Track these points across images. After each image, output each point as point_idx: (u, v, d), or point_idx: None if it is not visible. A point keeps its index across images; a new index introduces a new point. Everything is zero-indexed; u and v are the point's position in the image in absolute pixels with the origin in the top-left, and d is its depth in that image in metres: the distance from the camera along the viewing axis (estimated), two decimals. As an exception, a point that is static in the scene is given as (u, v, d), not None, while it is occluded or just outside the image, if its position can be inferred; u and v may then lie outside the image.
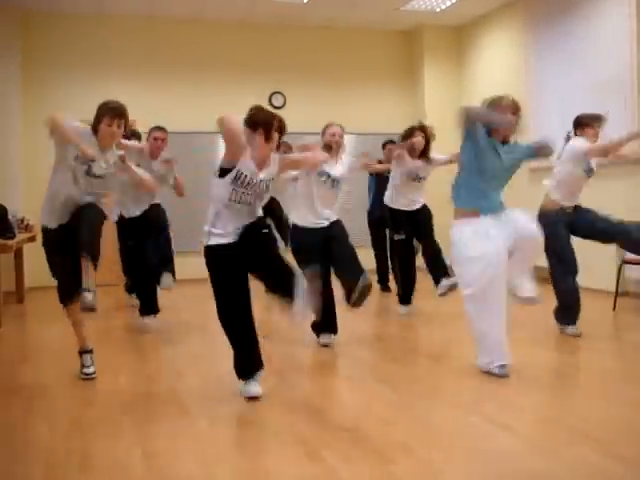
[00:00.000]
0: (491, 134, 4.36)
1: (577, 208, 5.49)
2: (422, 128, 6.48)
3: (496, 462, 3.03)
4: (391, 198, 6.72)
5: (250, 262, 3.98)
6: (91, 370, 4.49)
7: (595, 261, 6.45)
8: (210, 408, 3.87)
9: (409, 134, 6.49)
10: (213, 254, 3.96)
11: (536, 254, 4.55)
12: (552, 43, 8.52)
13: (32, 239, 7.80)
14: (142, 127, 9.45)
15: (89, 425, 3.63)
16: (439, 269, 6.38)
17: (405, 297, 6.67)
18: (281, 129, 4.01)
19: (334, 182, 5.43)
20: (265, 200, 4.18)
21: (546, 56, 8.64)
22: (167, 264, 6.36)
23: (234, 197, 3.92)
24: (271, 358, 5.03)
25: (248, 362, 4.03)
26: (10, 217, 7.02)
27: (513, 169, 4.51)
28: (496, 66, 9.77)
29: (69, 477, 2.96)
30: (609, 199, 7.22)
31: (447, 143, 10.29)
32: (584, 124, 5.50)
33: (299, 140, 10.13)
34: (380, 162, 7.79)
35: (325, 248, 5.29)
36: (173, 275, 6.37)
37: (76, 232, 4.32)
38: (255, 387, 3.97)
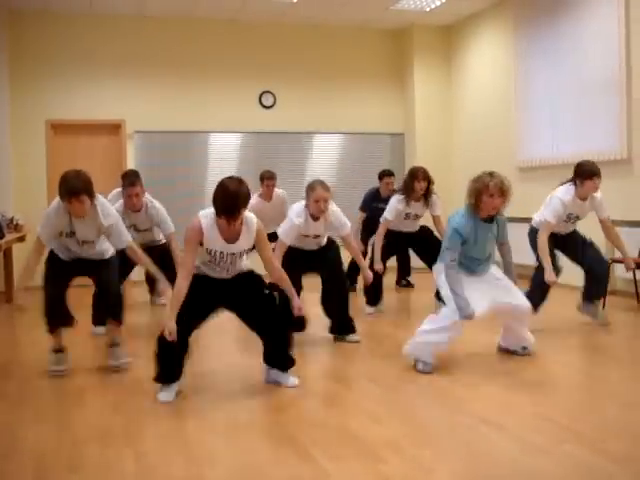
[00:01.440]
0: (476, 210, 4.43)
1: (572, 234, 5.74)
2: (425, 173, 6.39)
3: (486, 461, 3.04)
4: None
5: (241, 312, 4.24)
6: (62, 368, 4.65)
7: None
8: (200, 408, 3.87)
9: (413, 176, 6.33)
10: (196, 274, 4.04)
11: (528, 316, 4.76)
12: (541, 43, 8.55)
13: (22, 239, 7.78)
14: (132, 127, 9.48)
15: (79, 425, 3.62)
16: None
17: (372, 298, 6.70)
18: (243, 206, 3.87)
19: (317, 237, 5.44)
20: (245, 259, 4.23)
21: (535, 56, 8.67)
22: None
23: (212, 260, 4.05)
24: (260, 358, 5.04)
25: (168, 371, 4.08)
26: (0, 217, 7.00)
27: (493, 240, 4.64)
28: (485, 65, 9.79)
29: (59, 477, 2.96)
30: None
31: (437, 143, 10.38)
32: (586, 176, 5.44)
33: (290, 138, 10.20)
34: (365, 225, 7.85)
35: (314, 265, 5.51)
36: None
37: (101, 296, 4.76)
38: (167, 395, 4.01)
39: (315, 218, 5.24)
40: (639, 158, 7.23)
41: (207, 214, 3.95)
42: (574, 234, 5.75)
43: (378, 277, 6.54)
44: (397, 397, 4.07)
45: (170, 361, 4.06)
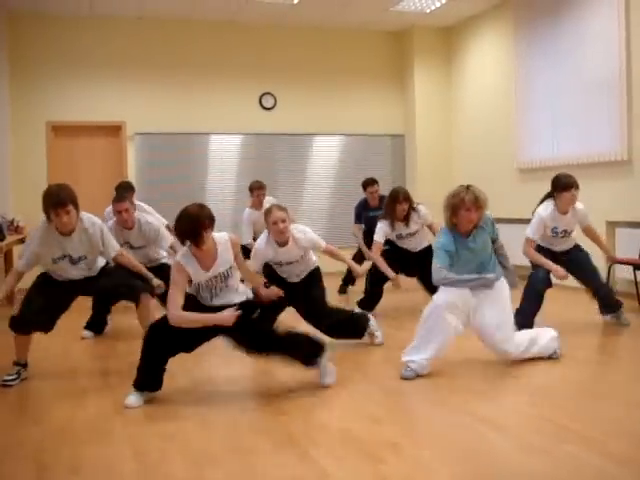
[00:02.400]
0: (455, 228, 4.44)
1: (571, 251, 5.75)
2: (405, 194, 6.34)
3: (486, 461, 3.04)
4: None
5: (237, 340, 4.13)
6: (11, 378, 4.49)
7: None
8: (200, 409, 3.87)
9: (394, 199, 6.25)
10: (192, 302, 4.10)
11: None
12: (541, 44, 8.55)
13: (22, 241, 7.77)
14: (132, 128, 9.48)
15: (79, 426, 3.63)
16: None
17: (367, 303, 6.65)
18: (206, 227, 3.90)
19: (291, 264, 5.20)
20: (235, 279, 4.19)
21: (535, 57, 8.67)
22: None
23: (203, 289, 4.09)
24: (262, 360, 5.04)
25: (147, 379, 4.06)
26: (0, 219, 7.00)
27: (484, 250, 4.51)
28: (486, 66, 9.80)
29: (60, 478, 2.96)
30: (594, 199, 7.27)
31: (437, 144, 10.38)
32: (562, 188, 5.45)
33: (290, 140, 10.21)
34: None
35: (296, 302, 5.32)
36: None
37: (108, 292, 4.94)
38: (135, 400, 4.00)
39: (281, 244, 5.02)
40: (639, 159, 7.23)
41: (182, 252, 4.00)
42: (579, 257, 5.74)
43: (380, 284, 6.54)
44: (397, 398, 4.07)
45: (150, 370, 4.05)
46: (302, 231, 5.14)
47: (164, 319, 3.96)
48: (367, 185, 7.89)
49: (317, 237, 5.26)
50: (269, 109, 10.21)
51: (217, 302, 4.10)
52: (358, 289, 7.06)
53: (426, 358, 4.37)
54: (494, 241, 4.62)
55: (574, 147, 8.00)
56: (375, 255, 6.34)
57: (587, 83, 7.79)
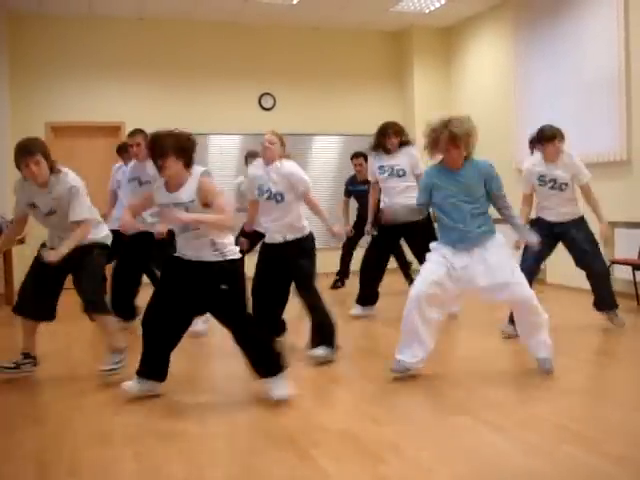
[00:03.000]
0: (441, 162, 4.34)
1: (567, 225, 5.50)
2: (397, 130, 6.33)
3: (486, 462, 3.04)
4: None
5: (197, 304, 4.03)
6: (7, 366, 4.64)
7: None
8: (200, 409, 3.88)
9: (383, 134, 6.32)
10: (168, 258, 4.08)
11: (535, 317, 4.37)
12: (540, 44, 8.55)
13: (21, 241, 7.77)
14: (131, 129, 9.45)
15: (79, 426, 3.63)
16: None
17: (363, 297, 6.63)
18: (171, 154, 3.84)
19: (277, 197, 4.97)
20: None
21: (534, 57, 8.67)
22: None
23: (176, 228, 4.02)
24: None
25: (147, 364, 4.07)
26: (-1, 219, 7.00)
27: (474, 187, 4.30)
28: (485, 67, 9.80)
29: (59, 479, 2.96)
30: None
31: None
32: (544, 139, 5.46)
33: (289, 140, 10.16)
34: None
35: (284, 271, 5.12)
36: None
37: (78, 291, 4.56)
38: (135, 386, 4.03)
39: (267, 163, 4.99)
40: (639, 159, 7.23)
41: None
42: (579, 238, 5.50)
43: (373, 277, 6.54)
44: (396, 398, 4.07)
45: (151, 354, 4.05)
46: (294, 165, 5.04)
47: (153, 298, 4.01)
48: (352, 158, 8.02)
49: (306, 179, 5.03)
50: (268, 109, 10.21)
51: (188, 253, 3.96)
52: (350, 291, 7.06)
53: (414, 356, 4.31)
54: (495, 197, 4.34)
55: (573, 147, 7.97)
56: (371, 197, 6.50)
57: (586, 83, 7.79)
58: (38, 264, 4.49)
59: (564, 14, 8.13)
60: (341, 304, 7.12)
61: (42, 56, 9.20)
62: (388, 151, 6.28)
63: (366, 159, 7.76)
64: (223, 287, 3.88)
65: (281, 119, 10.14)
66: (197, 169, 3.97)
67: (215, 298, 3.93)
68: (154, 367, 4.08)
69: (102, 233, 4.70)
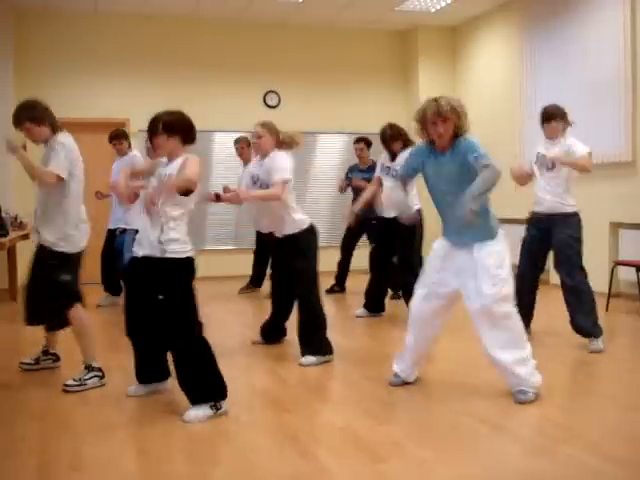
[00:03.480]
0: (432, 144, 4.02)
1: (553, 220, 5.19)
2: (394, 135, 6.45)
3: (488, 462, 3.04)
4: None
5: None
6: (27, 361, 4.76)
7: (588, 262, 6.45)
8: (203, 406, 3.88)
9: (383, 140, 6.53)
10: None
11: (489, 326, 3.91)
12: (547, 44, 8.54)
13: (25, 237, 7.79)
14: (136, 125, 9.48)
15: (81, 423, 3.63)
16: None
17: (371, 304, 6.64)
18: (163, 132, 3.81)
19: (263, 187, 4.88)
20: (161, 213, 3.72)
21: (541, 57, 8.65)
22: None
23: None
24: (264, 357, 5.05)
25: (144, 372, 4.08)
26: (3, 215, 7.01)
27: (460, 173, 3.87)
28: (491, 66, 9.79)
29: (61, 475, 2.96)
30: (598, 200, 7.26)
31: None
32: (544, 119, 5.34)
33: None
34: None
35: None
36: None
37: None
38: (139, 390, 4.06)
39: (262, 157, 5.02)
40: (644, 160, 7.22)
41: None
42: (561, 241, 5.16)
43: (380, 283, 6.57)
44: (399, 397, 4.06)
45: (140, 358, 4.06)
46: (279, 155, 4.94)
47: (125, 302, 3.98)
48: (353, 143, 8.07)
49: (284, 169, 4.79)
50: (273, 107, 10.21)
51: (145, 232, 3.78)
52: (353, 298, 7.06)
53: (410, 367, 4.24)
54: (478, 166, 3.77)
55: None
56: (369, 187, 6.45)
57: (592, 84, 7.77)
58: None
59: (570, 14, 8.11)
60: (342, 301, 7.11)
61: (47, 52, 9.21)
62: (394, 156, 6.32)
63: (368, 144, 7.91)
64: (161, 297, 3.68)
65: (286, 117, 10.10)
66: (190, 156, 3.89)
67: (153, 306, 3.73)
68: (150, 371, 4.09)
69: (76, 243, 4.31)
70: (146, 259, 3.72)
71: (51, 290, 4.21)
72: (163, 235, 3.67)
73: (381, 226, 6.47)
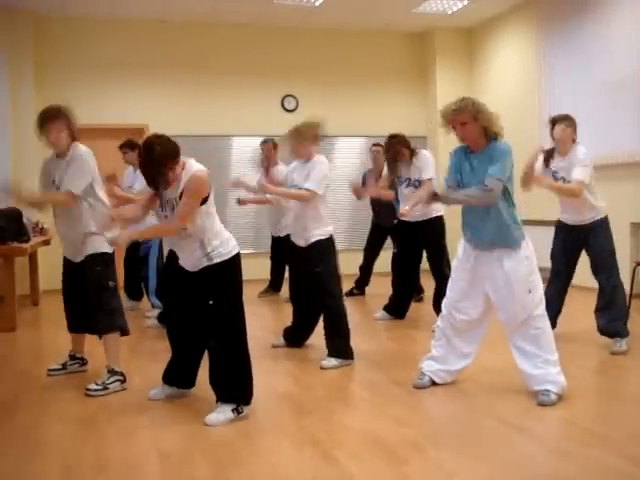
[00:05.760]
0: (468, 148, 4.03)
1: (587, 230, 5.14)
2: (394, 147, 6.28)
3: (509, 464, 3.03)
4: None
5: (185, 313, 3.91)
6: (54, 367, 4.76)
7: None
8: (224, 410, 3.89)
9: (387, 151, 6.40)
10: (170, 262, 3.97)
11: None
12: (564, 44, 8.49)
13: (47, 242, 7.86)
14: (155, 131, 9.50)
15: (104, 426, 3.66)
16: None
17: (394, 309, 6.63)
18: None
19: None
20: (189, 235, 3.69)
21: (558, 57, 8.61)
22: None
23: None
24: (285, 360, 5.06)
25: (170, 370, 4.09)
26: (25, 220, 7.07)
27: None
28: (508, 67, 9.76)
29: (85, 478, 2.99)
30: (617, 200, 7.20)
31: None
32: (552, 123, 5.18)
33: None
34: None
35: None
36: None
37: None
38: (156, 393, 4.09)
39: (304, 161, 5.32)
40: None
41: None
42: (596, 245, 5.15)
43: (404, 289, 6.57)
44: (420, 400, 4.05)
45: (174, 359, 4.08)
46: (322, 164, 5.34)
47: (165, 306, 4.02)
48: (371, 147, 8.00)
49: (320, 178, 5.18)
50: (291, 111, 10.22)
51: (181, 258, 3.80)
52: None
53: (445, 369, 4.24)
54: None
55: (597, 147, 7.90)
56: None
57: (611, 83, 7.72)
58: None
59: (588, 14, 8.07)
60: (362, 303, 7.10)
61: (66, 59, 9.28)
62: (406, 162, 6.25)
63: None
64: (211, 302, 3.72)
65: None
66: (191, 164, 3.78)
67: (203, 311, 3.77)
68: (180, 376, 4.11)
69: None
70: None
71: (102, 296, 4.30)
72: (209, 248, 3.70)
73: (405, 230, 6.43)
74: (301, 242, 5.03)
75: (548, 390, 3.82)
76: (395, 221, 6.59)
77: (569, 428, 3.47)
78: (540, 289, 3.95)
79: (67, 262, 4.47)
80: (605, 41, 7.80)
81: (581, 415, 3.65)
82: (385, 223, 7.47)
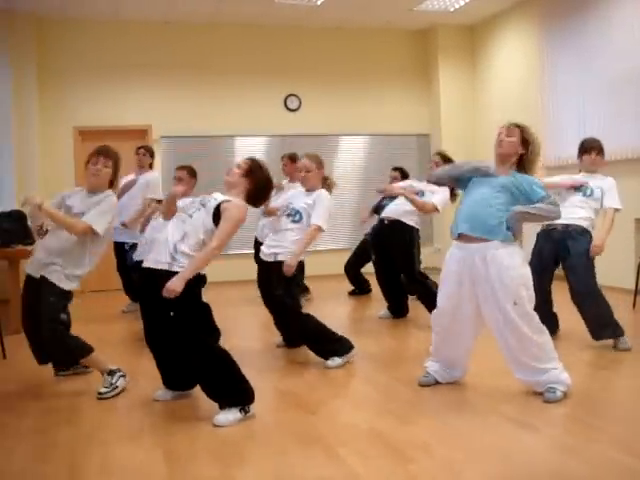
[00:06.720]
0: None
1: (569, 232, 5.15)
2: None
3: (517, 461, 3.02)
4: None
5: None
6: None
7: (614, 259, 6.41)
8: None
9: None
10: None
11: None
12: (566, 41, 8.48)
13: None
14: (158, 132, 9.56)
15: (111, 428, 3.66)
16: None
17: (395, 307, 6.66)
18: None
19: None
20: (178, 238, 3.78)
21: (561, 54, 8.60)
22: None
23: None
24: (289, 360, 5.06)
25: (168, 379, 4.11)
26: (29, 223, 7.07)
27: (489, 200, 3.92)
28: (510, 64, 9.74)
29: (91, 478, 2.99)
30: (622, 196, 7.17)
31: (463, 143, 10.32)
32: (582, 151, 5.33)
33: (315, 141, 10.20)
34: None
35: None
36: None
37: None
38: (161, 394, 4.10)
39: (307, 189, 5.11)
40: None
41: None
42: (575, 248, 5.11)
43: (392, 290, 6.63)
44: (426, 398, 4.05)
45: (164, 368, 4.09)
46: (327, 200, 5.05)
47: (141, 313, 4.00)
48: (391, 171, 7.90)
49: (326, 216, 4.96)
50: (294, 110, 10.23)
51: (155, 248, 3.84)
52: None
53: (447, 372, 4.24)
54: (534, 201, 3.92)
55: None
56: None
57: (614, 80, 7.71)
58: None
59: (590, 10, 8.05)
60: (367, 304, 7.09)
61: (69, 60, 9.31)
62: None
63: (403, 174, 7.60)
64: (172, 314, 3.65)
65: (307, 120, 10.16)
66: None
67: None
68: (175, 379, 4.11)
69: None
70: (153, 274, 3.72)
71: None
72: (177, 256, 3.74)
73: (377, 235, 6.62)
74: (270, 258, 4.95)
75: (554, 387, 3.81)
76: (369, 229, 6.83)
77: (576, 424, 3.46)
78: (530, 303, 3.85)
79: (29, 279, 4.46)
80: (608, 37, 7.78)
81: (588, 411, 3.64)
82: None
